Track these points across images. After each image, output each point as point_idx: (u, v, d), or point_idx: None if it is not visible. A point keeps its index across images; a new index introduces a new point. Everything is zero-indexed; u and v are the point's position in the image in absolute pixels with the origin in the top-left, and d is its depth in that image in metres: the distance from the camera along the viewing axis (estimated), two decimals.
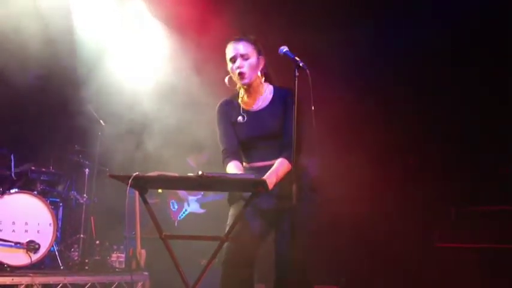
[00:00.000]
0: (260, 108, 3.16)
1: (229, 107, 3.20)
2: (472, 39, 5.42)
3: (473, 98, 5.30)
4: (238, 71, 3.06)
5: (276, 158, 3.03)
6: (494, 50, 5.35)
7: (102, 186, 5.96)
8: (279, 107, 3.13)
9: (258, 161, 3.10)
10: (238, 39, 3.12)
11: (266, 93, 3.18)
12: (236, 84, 3.17)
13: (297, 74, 2.88)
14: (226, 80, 3.19)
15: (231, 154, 3.13)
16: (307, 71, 2.86)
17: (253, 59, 3.10)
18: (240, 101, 3.19)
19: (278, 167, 2.97)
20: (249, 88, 3.14)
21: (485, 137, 5.22)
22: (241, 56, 3.08)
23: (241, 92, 3.19)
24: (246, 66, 3.07)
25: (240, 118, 3.14)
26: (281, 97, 3.15)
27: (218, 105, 3.25)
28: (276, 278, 3.06)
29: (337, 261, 5.36)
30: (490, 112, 5.26)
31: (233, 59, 3.10)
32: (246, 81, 3.08)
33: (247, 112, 3.16)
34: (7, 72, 5.46)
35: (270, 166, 3.00)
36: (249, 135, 3.12)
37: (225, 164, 3.13)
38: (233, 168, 3.06)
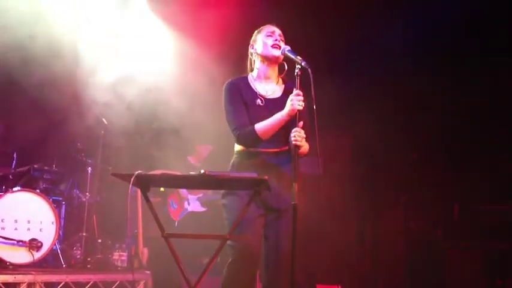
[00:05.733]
0: (274, 96, 3.21)
1: (242, 87, 3.19)
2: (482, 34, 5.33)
3: (479, 95, 5.25)
4: (275, 42, 3.14)
5: (282, 146, 3.10)
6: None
7: (104, 185, 5.96)
8: None
9: (264, 147, 3.08)
10: (275, 26, 3.26)
11: (279, 84, 3.26)
12: (253, 68, 3.25)
13: (298, 72, 2.91)
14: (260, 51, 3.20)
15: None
16: (309, 70, 2.87)
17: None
18: (254, 85, 3.20)
19: None
20: (269, 68, 3.20)
21: (491, 135, 5.18)
22: (279, 35, 3.22)
23: (253, 75, 3.24)
24: (281, 43, 3.17)
25: (258, 101, 3.15)
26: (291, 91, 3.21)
27: (228, 83, 3.21)
28: (271, 277, 3.05)
29: (340, 260, 5.34)
30: (496, 110, 5.22)
31: (272, 34, 3.19)
32: (279, 52, 3.12)
33: (263, 97, 3.18)
34: (10, 71, 5.46)
35: (277, 153, 3.07)
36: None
37: (249, 134, 3.05)
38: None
